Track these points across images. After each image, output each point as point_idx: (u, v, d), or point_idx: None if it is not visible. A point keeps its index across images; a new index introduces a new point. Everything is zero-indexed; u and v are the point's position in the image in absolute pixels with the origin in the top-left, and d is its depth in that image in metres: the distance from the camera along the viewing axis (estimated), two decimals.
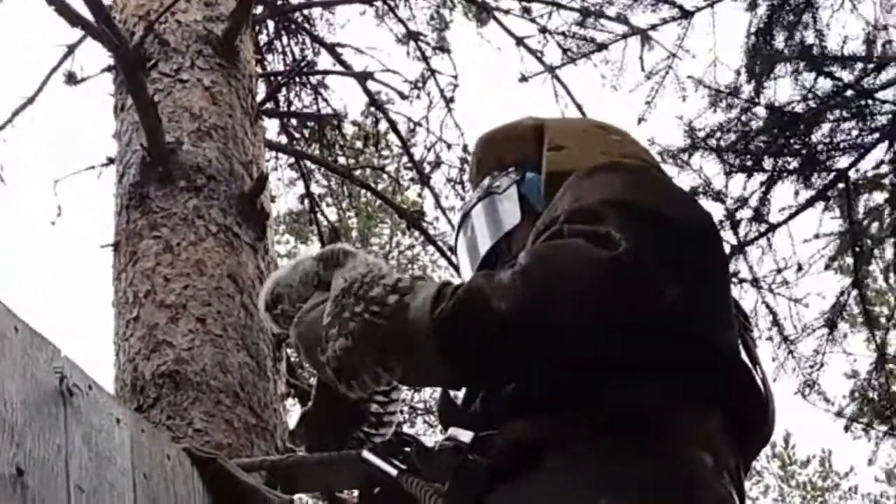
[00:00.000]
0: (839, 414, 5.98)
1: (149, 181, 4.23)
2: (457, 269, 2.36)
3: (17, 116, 6.90)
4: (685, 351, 1.70)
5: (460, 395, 1.87)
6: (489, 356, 1.64)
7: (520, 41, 7.31)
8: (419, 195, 9.50)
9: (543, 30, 6.93)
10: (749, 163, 4.86)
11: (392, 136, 8.40)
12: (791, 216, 5.14)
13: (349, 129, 8.70)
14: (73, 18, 4.32)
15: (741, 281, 5.34)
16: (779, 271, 5.36)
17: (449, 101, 7.75)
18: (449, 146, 7.87)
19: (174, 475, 2.33)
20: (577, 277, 1.60)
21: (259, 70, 6.06)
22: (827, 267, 5.65)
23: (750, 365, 1.86)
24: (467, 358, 1.64)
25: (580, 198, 1.79)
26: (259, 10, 6.51)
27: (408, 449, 1.83)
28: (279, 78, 7.48)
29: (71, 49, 6.59)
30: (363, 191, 9.38)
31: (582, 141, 2.12)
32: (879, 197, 5.41)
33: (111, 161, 5.10)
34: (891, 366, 5.84)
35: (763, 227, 5.17)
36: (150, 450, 2.27)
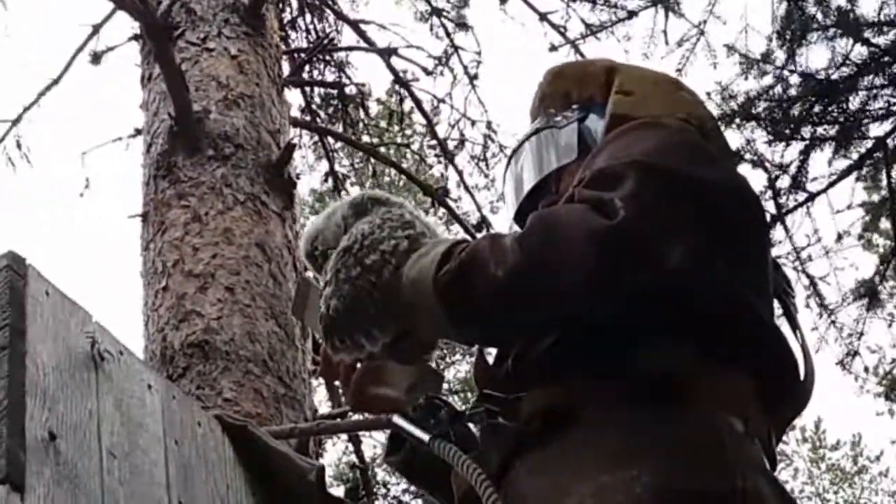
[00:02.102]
0: (882, 386, 5.94)
1: (176, 150, 4.22)
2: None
3: (42, 97, 6.91)
4: (713, 312, 1.68)
5: (492, 355, 1.86)
6: (487, 319, 1.65)
7: (543, 16, 7.27)
8: (442, 174, 9.50)
9: (571, 0, 6.87)
10: (787, 131, 4.80)
11: (416, 114, 8.38)
12: (830, 184, 5.08)
13: (373, 108, 8.70)
14: None
15: (779, 254, 5.29)
16: (819, 240, 5.31)
17: (473, 78, 7.72)
18: (473, 123, 7.85)
19: (205, 442, 2.32)
20: (572, 246, 1.59)
21: (283, 47, 6.04)
22: (860, 237, 5.61)
23: (789, 330, 1.84)
24: (468, 319, 1.65)
25: (614, 155, 1.77)
26: None
27: (439, 413, 1.81)
28: (303, 55, 7.46)
29: (96, 29, 6.60)
30: (387, 169, 9.38)
31: (651, 90, 2.07)
32: None
33: (138, 132, 5.10)
34: None
35: (802, 197, 5.11)
36: (181, 416, 2.27)
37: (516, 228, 1.96)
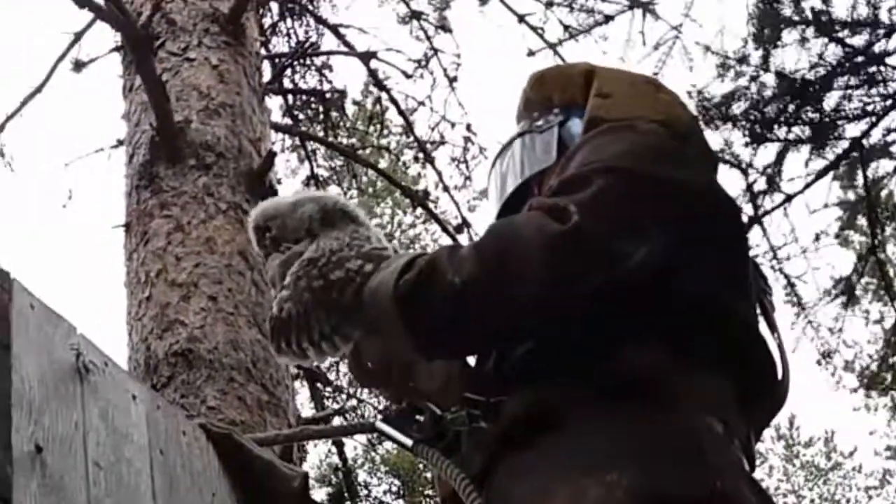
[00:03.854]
0: (860, 381, 5.97)
1: (158, 160, 4.24)
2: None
3: (25, 106, 6.90)
4: (688, 313, 1.71)
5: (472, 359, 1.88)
6: (446, 327, 1.66)
7: (521, 18, 7.29)
8: (419, 174, 9.52)
9: (549, 3, 6.89)
10: (763, 131, 4.83)
11: (395, 117, 8.41)
12: (807, 186, 5.12)
13: (352, 110, 8.71)
14: (80, 0, 4.31)
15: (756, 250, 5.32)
16: (796, 241, 5.34)
17: (452, 80, 7.74)
18: (453, 125, 7.86)
19: (190, 451, 2.33)
20: (527, 252, 1.62)
21: (264, 52, 6.06)
22: (837, 236, 5.65)
23: (767, 331, 1.86)
24: (426, 328, 1.67)
25: (584, 160, 1.80)
26: None
27: (420, 417, 1.83)
28: (284, 59, 7.48)
29: (78, 36, 6.58)
30: (366, 171, 9.39)
31: (629, 92, 2.08)
32: (889, 165, 5.39)
33: (120, 143, 5.11)
34: None
35: (779, 198, 5.15)
36: (165, 426, 2.27)
37: None
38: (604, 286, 1.62)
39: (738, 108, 4.85)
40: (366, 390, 8.09)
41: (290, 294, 1.77)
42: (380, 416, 1.99)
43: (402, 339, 1.68)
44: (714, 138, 5.01)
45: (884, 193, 5.57)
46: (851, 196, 5.54)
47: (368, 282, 1.72)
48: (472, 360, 1.87)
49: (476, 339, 1.72)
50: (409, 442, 1.83)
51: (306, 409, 7.53)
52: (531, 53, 6.28)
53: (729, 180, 5.08)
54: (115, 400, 2.13)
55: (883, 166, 5.36)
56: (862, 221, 5.52)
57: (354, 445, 12.06)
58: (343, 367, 7.69)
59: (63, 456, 1.89)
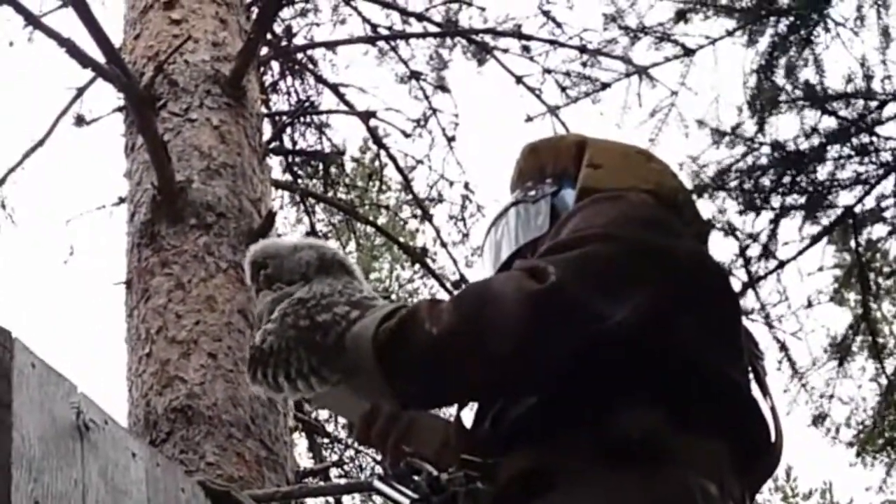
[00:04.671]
0: (851, 444, 5.98)
1: (160, 219, 4.28)
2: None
3: (27, 159, 6.94)
4: (681, 375, 1.72)
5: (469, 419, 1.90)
6: (421, 376, 1.69)
7: (519, 79, 7.36)
8: (417, 230, 9.56)
9: (547, 70, 6.97)
10: (757, 201, 4.87)
11: (394, 174, 8.46)
12: (800, 252, 5.15)
13: (351, 167, 8.77)
14: (84, 60, 4.36)
15: (750, 317, 5.33)
16: (787, 306, 5.37)
17: (450, 140, 7.81)
18: (451, 183, 7.92)
19: None
20: (504, 307, 1.65)
21: (264, 110, 6.12)
22: (831, 299, 5.66)
23: (759, 395, 1.88)
24: (402, 376, 1.69)
25: (574, 228, 1.84)
26: (264, 51, 6.58)
27: (417, 478, 1.85)
28: (284, 118, 7.55)
29: (80, 92, 6.64)
30: (365, 227, 9.43)
31: (620, 163, 2.11)
32: (882, 230, 5.42)
33: (122, 200, 5.15)
34: None
35: (773, 264, 5.17)
36: (165, 483, 2.29)
37: None
38: (580, 344, 1.65)
39: (733, 176, 4.88)
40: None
41: (274, 328, 1.80)
42: (378, 475, 2.00)
43: (379, 387, 1.70)
44: (707, 206, 5.06)
45: (878, 256, 5.60)
46: (847, 257, 5.58)
47: (352, 327, 1.74)
48: (468, 422, 1.90)
49: (452, 390, 1.74)
50: (406, 502, 1.84)
51: (304, 460, 7.52)
52: (529, 119, 6.34)
53: (723, 247, 5.12)
54: (114, 457, 2.15)
55: (876, 231, 5.40)
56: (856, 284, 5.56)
57: (352, 497, 12.00)
58: (341, 419, 7.67)
59: None
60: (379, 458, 2.14)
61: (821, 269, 5.51)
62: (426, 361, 1.67)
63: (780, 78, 4.95)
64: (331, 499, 8.83)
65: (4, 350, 1.96)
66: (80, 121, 6.61)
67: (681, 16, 5.24)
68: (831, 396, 5.60)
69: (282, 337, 1.78)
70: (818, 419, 5.68)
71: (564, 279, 1.65)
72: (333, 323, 1.76)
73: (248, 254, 2.02)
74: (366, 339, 1.69)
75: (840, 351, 5.65)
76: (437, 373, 1.68)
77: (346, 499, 9.70)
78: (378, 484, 1.90)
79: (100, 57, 4.35)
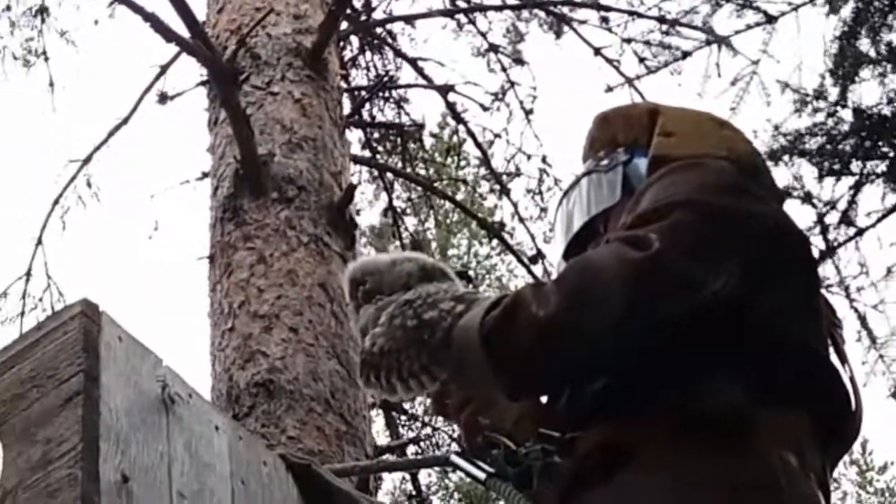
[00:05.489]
0: None
1: (242, 193, 4.32)
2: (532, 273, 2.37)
3: (112, 137, 7.04)
4: (764, 347, 1.72)
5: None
6: (530, 362, 1.68)
7: (597, 51, 7.32)
8: (495, 205, 9.56)
9: (628, 40, 6.91)
10: (837, 166, 4.80)
11: (472, 149, 8.46)
12: (879, 219, 5.07)
13: (429, 142, 8.79)
14: (167, 35, 4.42)
15: (828, 286, 5.26)
16: (866, 275, 5.29)
17: (528, 113, 7.79)
18: (528, 157, 7.90)
19: (270, 481, 2.36)
20: (607, 279, 1.64)
21: (344, 85, 6.14)
22: None
23: (838, 363, 1.86)
24: (512, 364, 1.68)
25: (656, 197, 1.82)
26: (343, 25, 6.59)
27: (495, 452, 1.86)
28: (363, 92, 7.57)
29: (163, 69, 6.72)
30: (443, 202, 9.45)
31: (693, 130, 2.11)
32: None
33: (205, 175, 5.21)
34: None
35: (851, 231, 5.10)
36: (247, 456, 2.31)
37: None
38: (684, 312, 1.64)
39: (814, 143, 4.82)
40: (440, 419, 8.11)
41: (383, 331, 1.80)
42: (455, 450, 2.02)
43: (488, 377, 1.69)
44: (783, 173, 5.00)
45: None
46: None
47: (459, 322, 1.74)
48: (545, 397, 1.90)
49: (559, 373, 1.73)
50: (482, 476, 1.85)
51: (381, 437, 7.57)
52: (609, 89, 6.31)
53: (798, 215, 5.05)
54: (198, 431, 2.17)
55: None
56: None
57: (429, 473, 12.08)
58: (418, 397, 7.71)
59: (148, 486, 1.93)
60: (456, 434, 2.14)
61: None
62: (534, 346, 1.66)
63: (863, 44, 4.86)
64: (406, 474, 8.92)
65: (92, 323, 1.99)
66: (163, 98, 6.69)
67: None
68: None
69: (391, 339, 1.78)
70: None
71: (666, 247, 1.64)
72: (440, 319, 1.76)
73: (347, 271, 2.02)
74: (472, 331, 1.69)
75: None
76: (545, 356, 1.67)
77: (422, 474, 9.79)
78: (455, 458, 1.92)
79: (183, 31, 4.41)
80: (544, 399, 1.88)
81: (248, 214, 4.25)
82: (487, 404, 1.86)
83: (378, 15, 7.91)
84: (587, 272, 1.69)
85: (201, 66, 4.89)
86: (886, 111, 4.76)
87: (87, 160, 7.19)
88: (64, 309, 2.04)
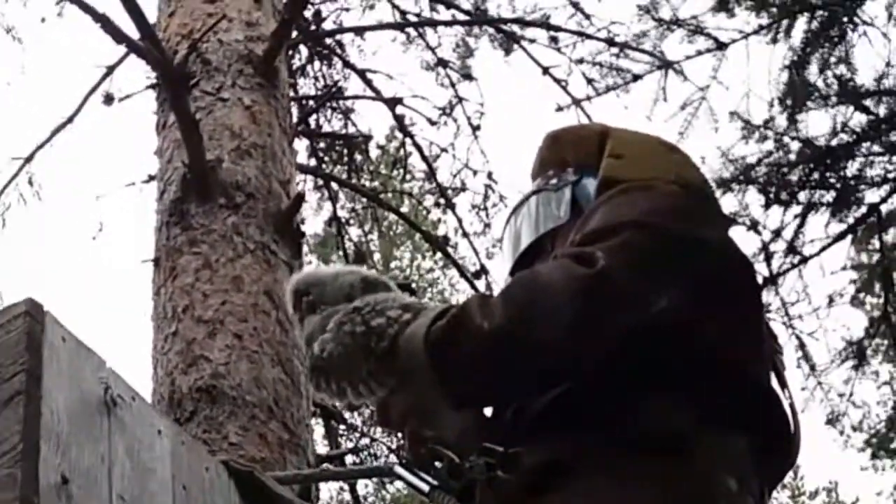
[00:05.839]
0: (868, 444, 5.98)
1: (189, 198, 4.28)
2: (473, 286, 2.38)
3: (55, 136, 6.97)
4: (708, 369, 1.74)
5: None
6: (474, 374, 1.69)
7: (545, 70, 7.36)
8: (439, 219, 9.58)
9: (580, 61, 6.96)
10: (784, 196, 4.87)
11: (418, 162, 8.48)
12: (823, 248, 5.15)
13: (376, 154, 8.79)
14: (118, 36, 4.38)
15: (770, 312, 5.32)
16: (808, 302, 5.37)
17: (475, 129, 7.82)
18: (474, 172, 7.93)
19: (212, 487, 2.35)
20: (554, 295, 1.65)
21: (292, 94, 6.12)
22: (853, 299, 5.66)
23: (778, 389, 1.89)
24: (456, 374, 1.69)
25: (605, 217, 1.85)
26: (293, 34, 6.58)
27: (438, 464, 1.86)
28: (311, 102, 7.56)
29: (110, 70, 6.68)
30: (387, 214, 9.45)
31: (643, 154, 2.13)
32: None
33: (152, 178, 5.17)
34: None
35: (796, 259, 5.17)
36: (189, 461, 2.29)
37: None
38: (629, 329, 1.66)
39: (761, 171, 4.88)
40: (379, 430, 8.11)
41: (332, 336, 1.81)
42: (397, 461, 2.02)
43: (432, 387, 1.70)
44: (730, 200, 5.06)
45: None
46: (865, 259, 5.58)
47: (405, 330, 1.75)
48: (489, 411, 1.91)
49: (504, 385, 1.73)
50: (425, 487, 1.85)
51: (321, 446, 7.55)
52: (559, 109, 6.34)
53: (744, 242, 5.11)
54: (140, 434, 2.15)
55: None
56: (877, 285, 5.54)
57: (365, 484, 12.07)
58: (368, 403, 7.69)
59: (88, 488, 1.91)
60: (396, 445, 2.14)
61: (844, 267, 5.51)
62: (479, 357, 1.67)
63: (812, 74, 4.94)
64: (344, 484, 8.89)
65: (36, 323, 1.96)
66: (108, 99, 6.65)
67: (722, 4, 5.21)
68: (851, 395, 5.60)
69: (340, 344, 1.79)
70: (834, 419, 5.67)
71: (612, 264, 1.65)
72: (387, 326, 1.77)
73: (290, 283, 2.02)
74: (418, 340, 1.70)
75: (857, 353, 5.65)
76: (490, 368, 1.68)
77: (360, 485, 9.77)
78: (399, 469, 1.92)
79: (134, 33, 4.37)
80: (489, 412, 1.89)
81: (194, 219, 4.22)
82: (432, 416, 1.86)
83: (328, 25, 7.91)
84: (534, 286, 1.70)
85: (150, 69, 4.85)
86: (834, 142, 4.84)
87: (29, 158, 7.13)
88: (8, 308, 2.01)
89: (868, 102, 4.77)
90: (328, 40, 7.84)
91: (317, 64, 7.91)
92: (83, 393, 2.01)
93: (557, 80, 7.23)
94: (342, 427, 7.98)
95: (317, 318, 1.90)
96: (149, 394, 3.89)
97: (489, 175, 7.90)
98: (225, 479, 2.40)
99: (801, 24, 5.09)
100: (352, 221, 8.81)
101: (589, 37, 7.14)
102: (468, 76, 7.91)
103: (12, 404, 1.85)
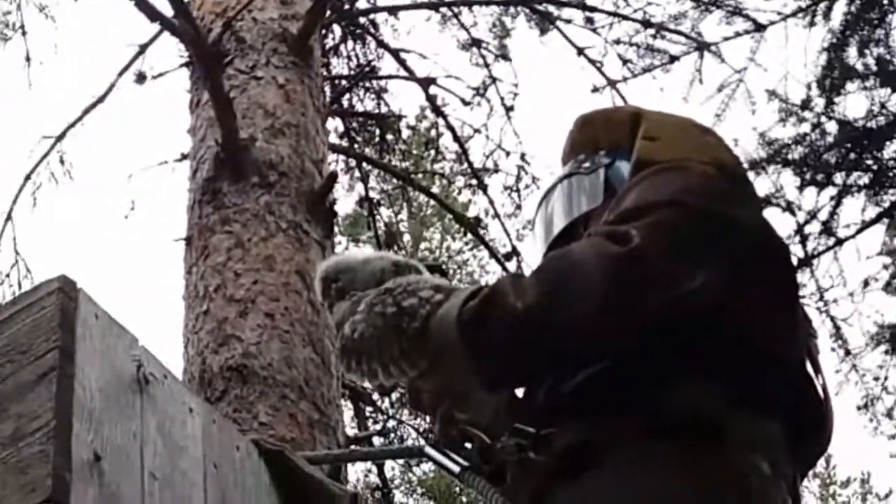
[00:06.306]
0: (893, 436, 5.94)
1: (222, 176, 4.29)
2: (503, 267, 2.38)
3: (87, 115, 6.98)
4: (740, 353, 1.73)
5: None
6: (506, 353, 1.68)
7: (581, 51, 7.33)
8: (471, 200, 9.55)
9: (616, 41, 6.92)
10: (820, 177, 4.84)
11: (450, 143, 8.46)
12: (858, 231, 5.11)
13: (407, 134, 8.77)
14: (152, 14, 4.38)
15: (805, 296, 5.29)
16: (843, 285, 5.33)
17: (509, 109, 7.78)
18: (507, 154, 7.89)
19: (242, 466, 2.35)
20: (586, 273, 1.65)
21: (325, 73, 6.12)
22: (887, 285, 5.62)
23: (812, 373, 1.87)
24: (489, 354, 1.69)
25: (640, 197, 1.83)
26: (327, 14, 6.57)
27: (469, 445, 1.86)
28: (343, 81, 7.55)
29: (142, 49, 6.68)
30: (418, 195, 9.44)
31: (676, 136, 2.11)
32: None
33: (184, 157, 5.18)
34: None
35: (831, 242, 5.13)
36: (220, 440, 2.30)
37: None
38: (661, 309, 1.65)
39: (798, 153, 4.84)
40: (406, 412, 8.14)
41: (363, 317, 1.81)
42: (428, 442, 2.02)
43: (464, 367, 1.70)
44: (765, 182, 5.03)
45: None
46: None
47: (437, 310, 1.74)
48: (520, 392, 1.90)
49: (536, 365, 1.73)
50: (456, 469, 1.85)
51: (349, 428, 7.57)
52: (595, 90, 6.31)
53: (780, 223, 5.08)
54: (172, 412, 2.15)
55: None
56: None
57: (392, 466, 12.10)
58: (399, 383, 7.71)
59: (120, 465, 1.92)
60: (423, 428, 2.14)
61: (880, 252, 5.47)
62: (512, 337, 1.66)
63: (850, 57, 4.89)
64: (372, 466, 8.92)
65: (69, 300, 1.97)
66: (140, 78, 6.66)
67: None
68: (886, 378, 5.56)
69: (371, 325, 1.78)
70: (868, 402, 5.64)
71: (646, 242, 1.64)
72: (419, 306, 1.76)
73: (319, 270, 2.02)
74: (450, 320, 1.69)
75: (892, 337, 5.61)
76: (523, 348, 1.67)
77: (387, 467, 9.80)
78: (429, 450, 1.92)
79: (168, 11, 4.38)
80: (521, 393, 1.88)
81: (227, 198, 4.22)
82: (463, 397, 1.86)
83: (362, 4, 7.90)
84: (567, 265, 1.69)
85: (185, 48, 4.86)
86: (871, 124, 4.79)
87: (60, 137, 7.13)
88: (41, 284, 2.02)
89: None
90: (362, 19, 7.82)
91: (350, 43, 7.90)
92: (116, 370, 2.02)
93: (593, 62, 7.20)
94: (370, 409, 8.00)
95: (346, 303, 1.89)
96: (180, 373, 3.91)
97: (522, 156, 7.87)
98: (255, 459, 2.41)
99: (841, 5, 5.05)
100: (383, 202, 8.81)
101: (625, 17, 7.10)
102: (505, 56, 7.87)
103: (45, 381, 1.86)
